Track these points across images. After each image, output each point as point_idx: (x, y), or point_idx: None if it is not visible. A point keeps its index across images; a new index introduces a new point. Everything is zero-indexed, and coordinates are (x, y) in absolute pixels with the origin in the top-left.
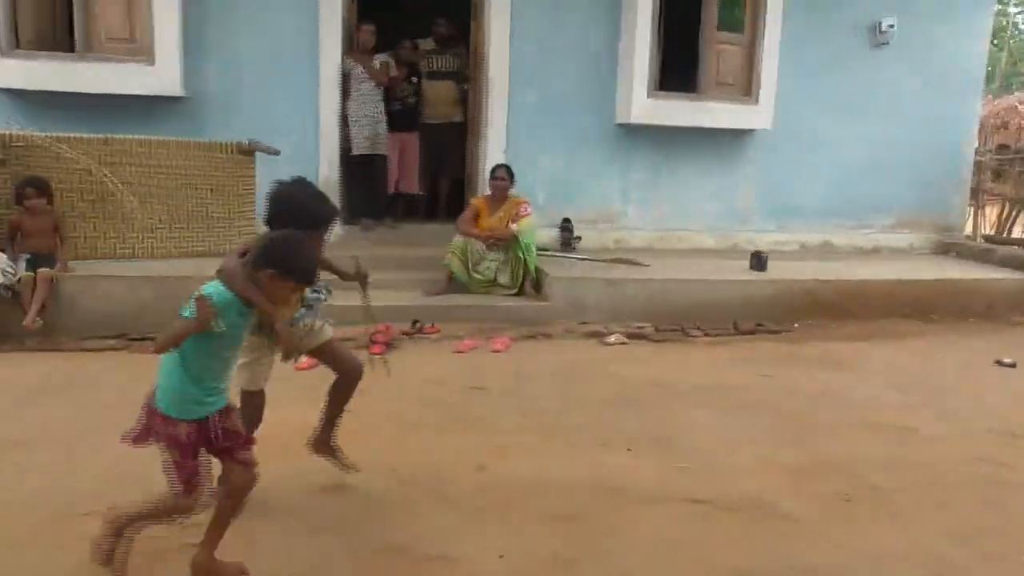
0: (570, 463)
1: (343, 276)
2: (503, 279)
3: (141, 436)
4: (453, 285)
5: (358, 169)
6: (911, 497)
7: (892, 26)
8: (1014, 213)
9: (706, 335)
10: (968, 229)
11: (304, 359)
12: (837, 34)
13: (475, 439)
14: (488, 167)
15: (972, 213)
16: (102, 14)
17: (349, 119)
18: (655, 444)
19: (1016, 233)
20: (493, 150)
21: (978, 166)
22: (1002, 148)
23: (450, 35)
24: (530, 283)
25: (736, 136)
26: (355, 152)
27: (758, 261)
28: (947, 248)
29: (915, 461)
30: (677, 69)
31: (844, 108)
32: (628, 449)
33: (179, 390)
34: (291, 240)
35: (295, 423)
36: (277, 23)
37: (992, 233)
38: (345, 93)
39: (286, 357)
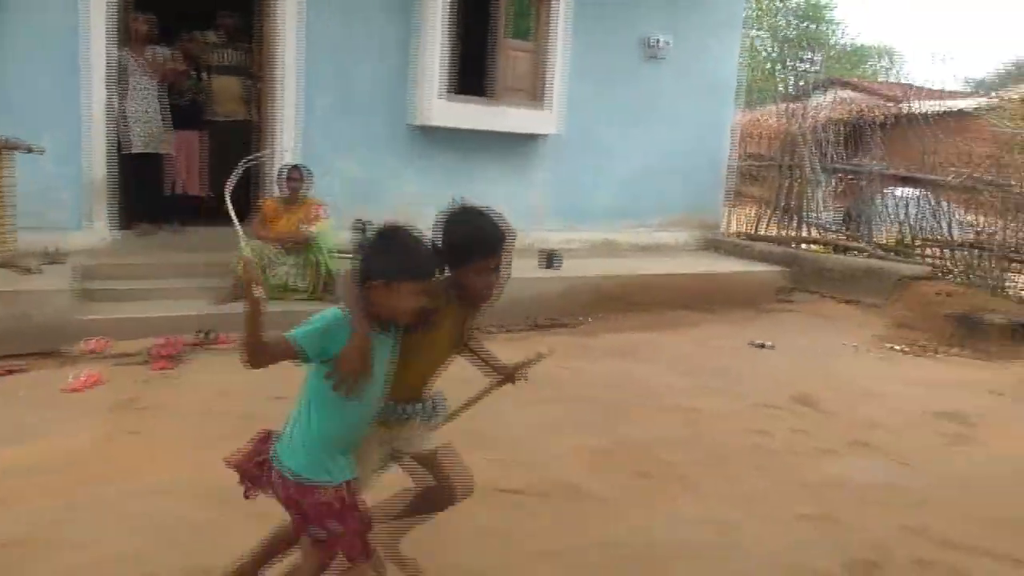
0: None
1: (497, 369)
2: (299, 283)
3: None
4: (243, 291)
5: (134, 169)
6: (700, 470)
7: (668, 42)
8: (766, 213)
9: (507, 331)
10: (727, 227)
11: (77, 378)
12: (619, 47)
13: None
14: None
15: (728, 213)
16: None
17: (124, 115)
18: (465, 437)
19: (769, 231)
20: (285, 150)
21: (737, 171)
22: (754, 156)
23: (237, 28)
24: (327, 287)
25: (529, 140)
26: (131, 150)
27: (548, 260)
28: (711, 244)
29: (701, 437)
30: (475, 74)
31: (626, 116)
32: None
33: (308, 451)
34: (385, 235)
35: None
36: (35, 8)
37: (748, 231)
38: (123, 88)
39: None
